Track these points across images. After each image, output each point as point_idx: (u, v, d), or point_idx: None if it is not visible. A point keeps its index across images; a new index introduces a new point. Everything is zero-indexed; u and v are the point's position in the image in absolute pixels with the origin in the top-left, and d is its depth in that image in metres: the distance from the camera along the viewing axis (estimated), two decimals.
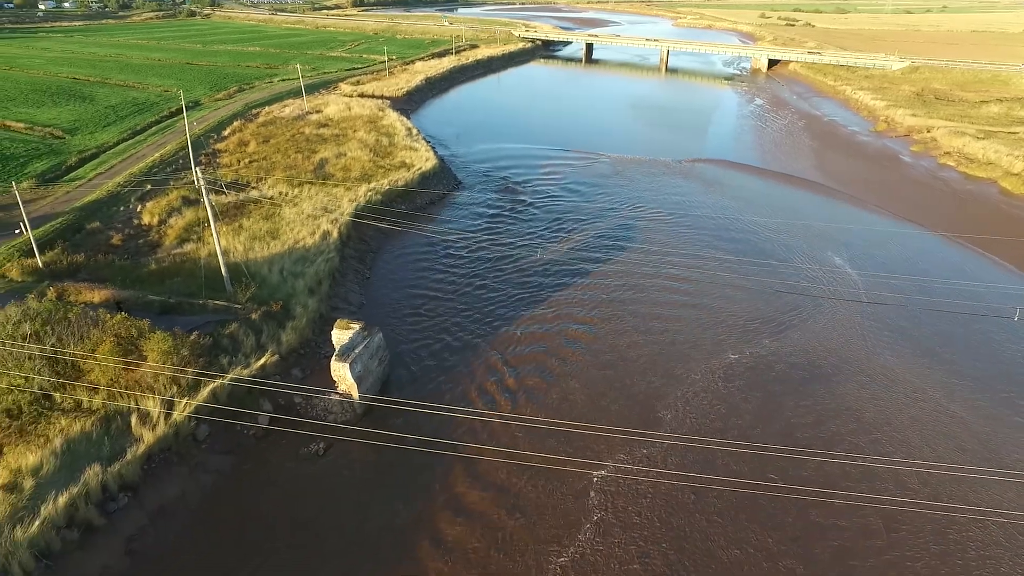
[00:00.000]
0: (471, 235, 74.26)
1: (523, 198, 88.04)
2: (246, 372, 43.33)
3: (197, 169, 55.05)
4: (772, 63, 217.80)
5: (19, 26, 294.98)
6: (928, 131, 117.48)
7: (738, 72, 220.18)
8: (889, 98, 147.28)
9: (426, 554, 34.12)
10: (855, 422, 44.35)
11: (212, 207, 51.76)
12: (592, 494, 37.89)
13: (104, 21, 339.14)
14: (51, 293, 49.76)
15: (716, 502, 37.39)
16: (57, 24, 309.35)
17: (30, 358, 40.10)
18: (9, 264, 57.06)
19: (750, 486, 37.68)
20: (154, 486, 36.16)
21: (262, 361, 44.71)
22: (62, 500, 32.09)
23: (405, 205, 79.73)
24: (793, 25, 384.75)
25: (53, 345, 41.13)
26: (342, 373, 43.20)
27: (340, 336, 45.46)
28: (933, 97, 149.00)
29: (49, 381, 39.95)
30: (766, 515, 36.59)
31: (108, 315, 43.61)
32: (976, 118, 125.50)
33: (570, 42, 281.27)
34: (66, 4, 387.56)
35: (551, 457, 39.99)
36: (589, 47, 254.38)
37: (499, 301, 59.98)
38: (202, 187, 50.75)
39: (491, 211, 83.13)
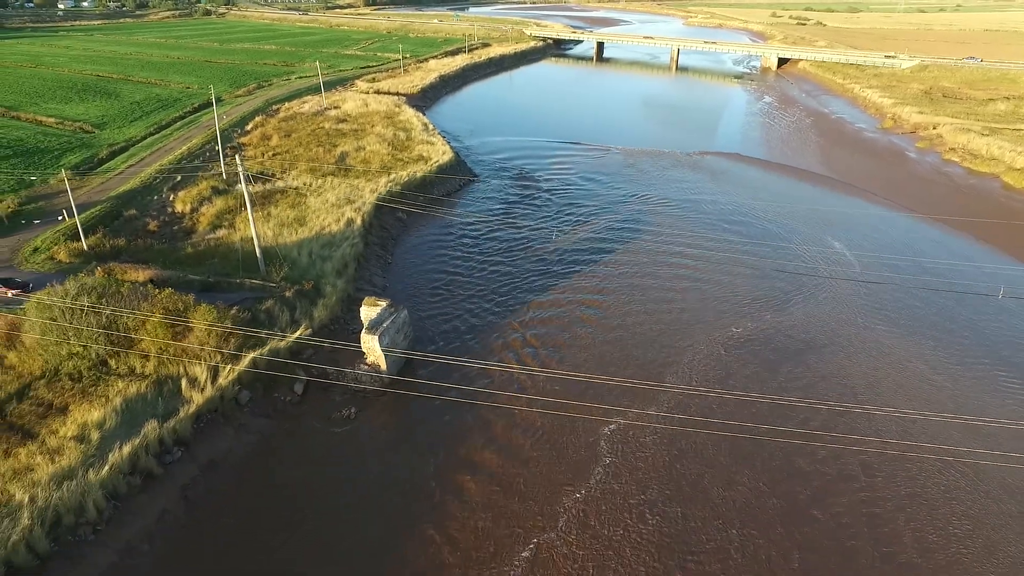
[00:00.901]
0: (488, 221, 77.91)
1: (537, 187, 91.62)
2: (283, 344, 46.85)
3: (239, 157, 58.45)
4: (782, 61, 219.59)
5: (40, 25, 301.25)
6: (934, 128, 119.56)
7: (748, 70, 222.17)
8: (897, 96, 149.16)
9: (460, 490, 38.19)
10: (843, 386, 48.09)
11: (250, 194, 55.29)
12: (603, 442, 41.84)
13: (122, 20, 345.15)
14: (99, 272, 53.42)
15: (712, 449, 41.47)
16: (77, 23, 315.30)
17: (88, 327, 43.74)
18: (56, 247, 60.94)
19: (742, 432, 41.61)
20: (204, 442, 39.76)
21: (297, 334, 48.20)
22: (126, 450, 35.70)
23: (423, 195, 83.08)
24: (804, 24, 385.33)
25: (107, 316, 44.75)
26: (371, 345, 46.61)
27: (368, 312, 48.87)
28: (941, 95, 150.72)
29: (105, 349, 43.65)
30: (756, 461, 40.65)
31: (156, 290, 47.24)
32: (983, 115, 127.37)
33: (581, 41, 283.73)
34: (85, 3, 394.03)
35: (569, 403, 44.16)
36: (600, 46, 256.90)
37: (515, 277, 64.30)
38: (241, 175, 54.20)
39: (507, 199, 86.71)
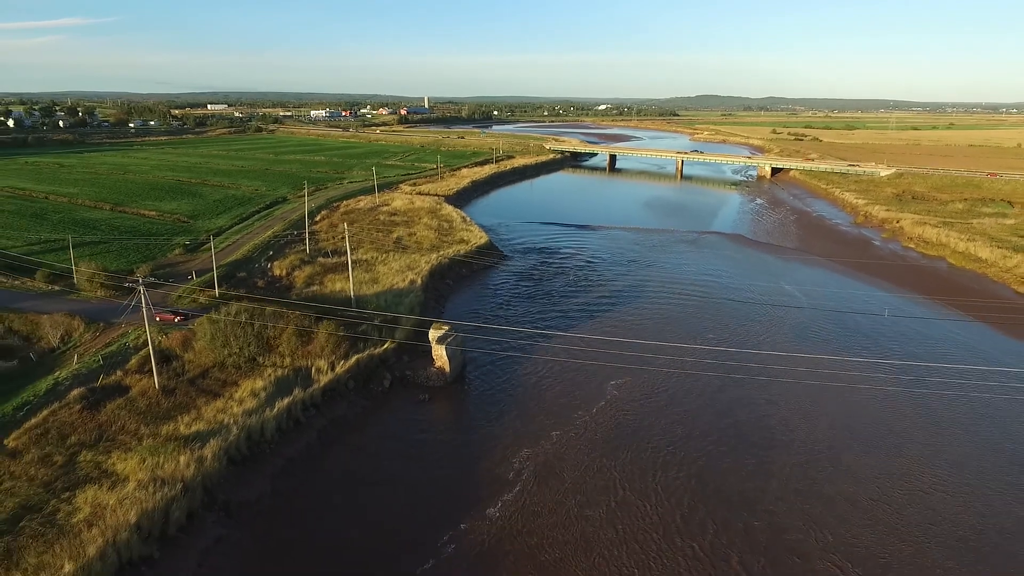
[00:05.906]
0: (517, 281, 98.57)
1: (557, 257, 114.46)
2: (377, 351, 64.87)
3: (345, 225, 78.73)
4: (776, 171, 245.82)
5: (116, 140, 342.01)
6: (897, 222, 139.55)
7: (745, 179, 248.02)
8: (871, 198, 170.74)
9: (503, 425, 57.03)
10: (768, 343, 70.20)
11: (350, 256, 75.11)
12: (609, 386, 60.82)
13: (184, 136, 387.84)
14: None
15: (681, 388, 62.15)
16: (146, 139, 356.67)
17: (244, 335, 62.26)
18: (197, 293, 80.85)
19: (695, 372, 60.67)
20: (328, 407, 57.10)
21: (386, 346, 66.26)
22: (285, 401, 53.25)
23: (465, 268, 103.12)
24: (801, 140, 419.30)
25: (256, 328, 63.35)
26: (440, 352, 64.44)
27: (435, 333, 66.91)
28: (910, 197, 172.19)
29: (255, 350, 61.91)
30: (699, 392, 61.40)
31: (290, 311, 66.10)
32: (941, 213, 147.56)
33: (596, 154, 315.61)
34: (152, 123, 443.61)
35: (589, 363, 63.15)
36: (613, 158, 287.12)
37: (540, 315, 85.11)
38: (346, 241, 74.30)
39: (532, 266, 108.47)
